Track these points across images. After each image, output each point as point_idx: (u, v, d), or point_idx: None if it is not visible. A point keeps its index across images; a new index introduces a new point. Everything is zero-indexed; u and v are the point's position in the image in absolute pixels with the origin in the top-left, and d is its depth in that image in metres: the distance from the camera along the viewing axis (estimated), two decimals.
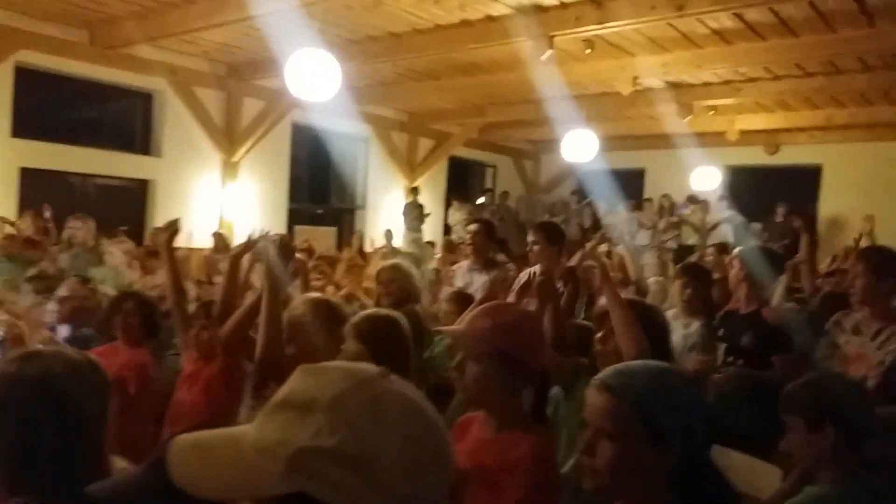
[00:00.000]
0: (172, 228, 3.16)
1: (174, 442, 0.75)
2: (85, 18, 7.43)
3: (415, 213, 11.65)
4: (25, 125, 7.65)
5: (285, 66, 5.40)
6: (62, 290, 3.57)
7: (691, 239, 11.28)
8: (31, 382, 1.35)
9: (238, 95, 9.41)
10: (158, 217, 8.63)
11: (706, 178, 11.04)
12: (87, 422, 1.37)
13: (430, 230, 12.00)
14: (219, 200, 9.39)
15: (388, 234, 10.80)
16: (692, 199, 11.63)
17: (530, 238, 4.36)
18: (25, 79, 7.61)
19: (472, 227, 4.74)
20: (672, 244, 10.79)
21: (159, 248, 3.12)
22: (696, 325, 3.60)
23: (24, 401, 1.34)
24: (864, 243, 7.62)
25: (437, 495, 0.74)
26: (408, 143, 12.33)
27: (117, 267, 5.59)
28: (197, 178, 9.23)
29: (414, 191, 12.01)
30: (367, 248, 10.10)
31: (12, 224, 6.37)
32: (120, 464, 1.45)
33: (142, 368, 3.12)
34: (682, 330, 3.63)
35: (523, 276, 2.75)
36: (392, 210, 11.92)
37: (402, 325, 2.32)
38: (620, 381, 1.36)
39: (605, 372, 1.40)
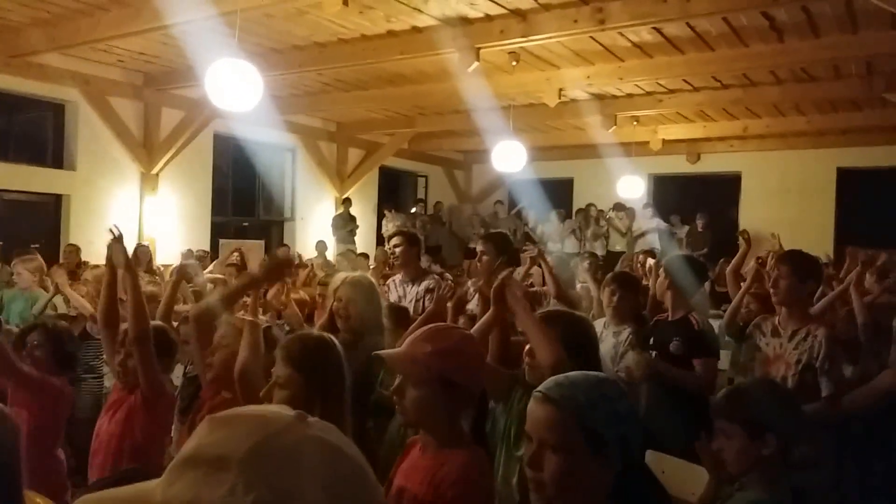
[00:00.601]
0: (123, 255, 2.93)
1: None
2: None
3: (346, 225, 11.51)
4: None
5: (205, 76, 5.23)
6: None
7: (619, 245, 11.55)
8: None
9: (156, 105, 9.08)
10: (74, 233, 8.23)
11: (631, 187, 11.33)
12: None
13: (363, 241, 11.88)
14: (138, 214, 9.03)
15: (321, 246, 10.61)
16: (619, 207, 11.91)
17: (479, 248, 4.33)
18: None
19: (393, 240, 4.67)
20: (600, 251, 11.01)
21: (119, 270, 2.88)
22: (626, 333, 3.65)
23: None
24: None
25: None
26: (337, 153, 12.19)
27: (28, 288, 5.29)
28: (114, 192, 8.85)
29: (345, 202, 11.86)
30: (294, 262, 9.89)
31: None
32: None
33: (54, 398, 2.94)
34: (612, 338, 3.67)
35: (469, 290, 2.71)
36: (322, 221, 11.74)
37: (335, 347, 2.23)
38: (562, 392, 1.37)
39: (546, 384, 1.41)
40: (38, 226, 8.23)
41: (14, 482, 1.33)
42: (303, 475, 0.67)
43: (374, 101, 9.78)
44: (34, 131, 8.57)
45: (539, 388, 1.41)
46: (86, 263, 6.73)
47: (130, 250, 3.07)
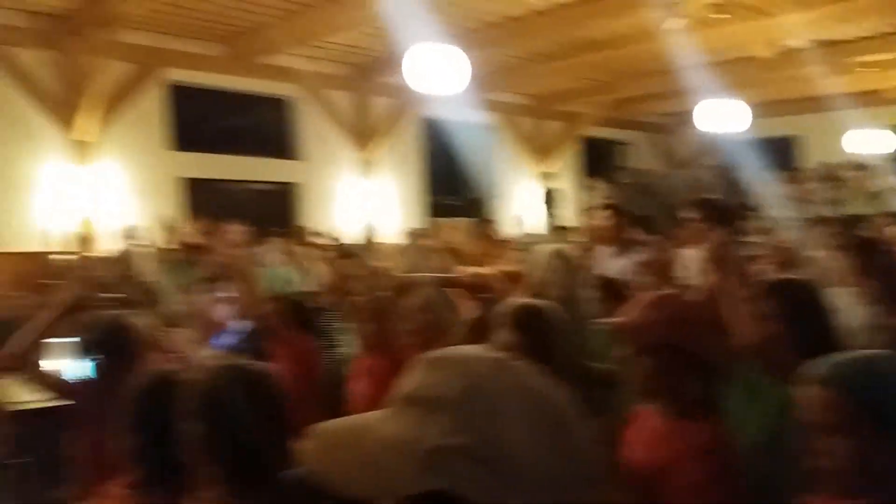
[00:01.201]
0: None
1: (308, 435, 0.77)
2: (224, 33, 7.95)
3: (551, 198, 11.54)
4: (181, 138, 8.31)
5: (403, 63, 5.48)
6: (231, 291, 3.83)
7: (856, 208, 10.41)
8: (220, 391, 1.50)
9: (367, 95, 9.72)
10: (305, 218, 9.08)
11: (870, 141, 10.12)
12: (268, 422, 1.51)
13: (569, 215, 11.84)
14: (359, 198, 9.74)
15: (518, 220, 10.77)
16: (854, 165, 10.71)
17: (686, 215, 4.17)
18: (177, 95, 8.28)
19: (600, 212, 4.62)
20: (834, 215, 10.00)
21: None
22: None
23: (213, 408, 1.49)
24: None
25: (578, 485, 0.72)
26: (537, 127, 12.22)
27: (275, 266, 5.91)
28: (338, 178, 9.63)
29: (548, 175, 11.88)
30: (499, 237, 10.11)
31: (172, 231, 6.89)
32: None
33: (303, 357, 3.34)
34: (858, 308, 3.34)
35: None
36: (525, 196, 11.89)
37: (555, 316, 2.30)
38: (836, 372, 1.32)
39: (817, 367, 1.36)
40: (274, 212, 9.14)
41: (278, 433, 1.53)
42: (512, 419, 0.70)
43: (571, 70, 9.66)
44: (268, 126, 9.50)
45: (810, 371, 1.36)
46: (318, 244, 7.40)
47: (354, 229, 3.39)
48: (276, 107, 9.40)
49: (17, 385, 3.64)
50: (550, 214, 11.35)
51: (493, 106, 10.97)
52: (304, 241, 7.43)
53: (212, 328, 3.99)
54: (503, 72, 9.78)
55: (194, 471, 1.48)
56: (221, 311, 3.98)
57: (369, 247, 7.38)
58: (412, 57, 5.41)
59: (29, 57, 7.03)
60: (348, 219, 9.38)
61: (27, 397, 3.53)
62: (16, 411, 3.67)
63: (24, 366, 2.74)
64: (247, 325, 3.66)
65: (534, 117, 12.12)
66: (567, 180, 12.55)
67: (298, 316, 3.52)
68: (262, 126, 9.41)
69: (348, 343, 4.13)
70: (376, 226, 9.45)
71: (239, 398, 1.51)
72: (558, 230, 8.99)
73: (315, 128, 9.42)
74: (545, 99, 11.82)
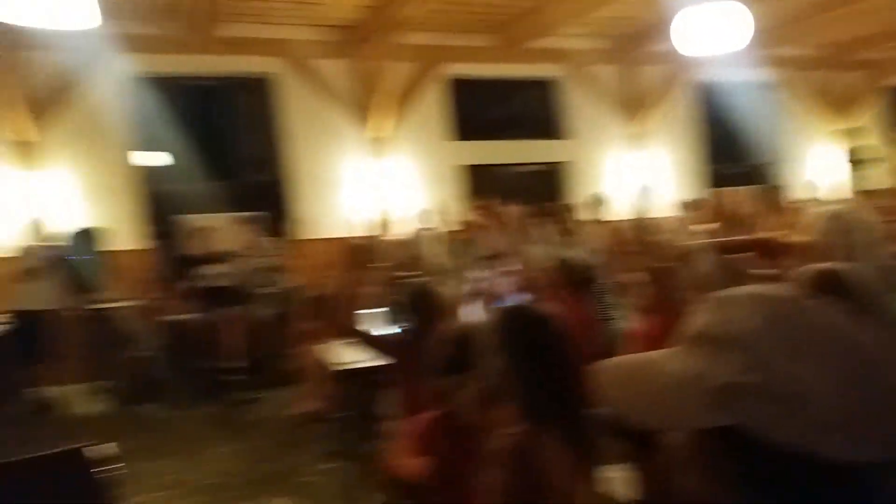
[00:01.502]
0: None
1: (596, 371, 0.80)
2: (494, 23, 8.31)
3: (856, 158, 10.26)
4: (461, 128, 8.91)
5: (672, 27, 5.23)
6: (513, 265, 4.08)
7: None
8: (514, 332, 1.67)
9: (634, 65, 9.48)
10: (574, 195, 9.17)
11: None
12: (560, 363, 1.65)
13: (876, 175, 10.41)
14: (630, 172, 9.58)
15: (809, 186, 9.75)
16: None
17: None
18: (456, 88, 8.86)
19: None
20: None
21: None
22: None
23: (507, 347, 1.66)
24: None
25: (885, 430, 0.67)
26: (831, 80, 10.89)
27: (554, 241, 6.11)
28: (607, 153, 9.58)
29: (849, 133, 10.54)
30: (787, 203, 9.24)
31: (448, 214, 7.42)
32: None
33: (582, 320, 3.46)
34: None
35: None
36: (819, 158, 10.76)
37: (858, 280, 2.11)
38: None
39: None
40: (546, 190, 9.31)
41: (572, 374, 1.63)
42: (803, 358, 0.67)
43: (872, 13, 8.44)
44: (537, 109, 9.72)
45: None
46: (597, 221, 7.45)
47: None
48: (542, 89, 9.59)
49: (339, 348, 4.25)
50: (856, 176, 10.06)
51: (778, 62, 10.02)
52: (574, 217, 7.54)
53: (493, 301, 4.27)
54: (789, 23, 8.86)
55: (497, 406, 1.65)
56: (502, 285, 4.24)
57: (643, 219, 7.23)
58: (683, 20, 5.15)
59: (328, 66, 8.07)
60: (617, 192, 9.26)
61: (348, 358, 4.09)
62: (338, 371, 4.25)
63: (346, 332, 3.20)
64: (526, 296, 3.85)
65: (827, 70, 10.81)
66: (874, 137, 11.01)
67: (577, 280, 3.61)
68: (530, 109, 9.67)
69: (620, 317, 4.14)
70: (649, 198, 9.20)
71: (528, 336, 1.66)
72: (863, 193, 7.96)
73: (582, 105, 9.46)
74: (841, 48, 10.46)
